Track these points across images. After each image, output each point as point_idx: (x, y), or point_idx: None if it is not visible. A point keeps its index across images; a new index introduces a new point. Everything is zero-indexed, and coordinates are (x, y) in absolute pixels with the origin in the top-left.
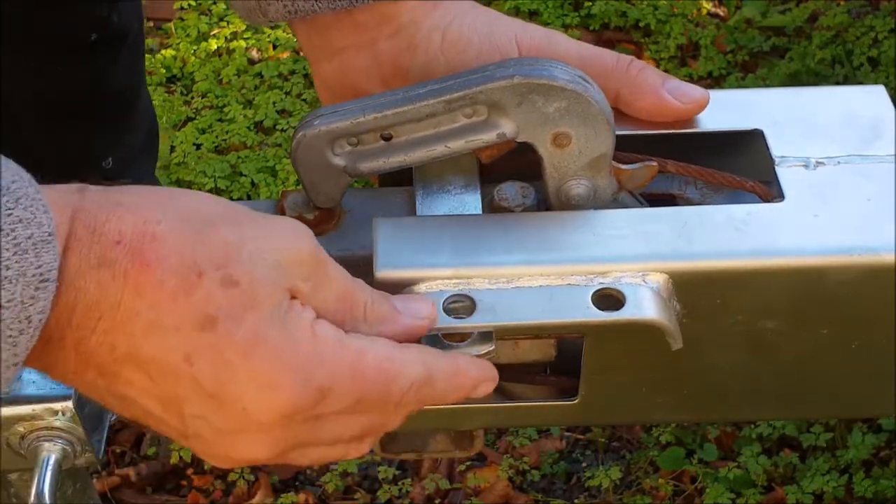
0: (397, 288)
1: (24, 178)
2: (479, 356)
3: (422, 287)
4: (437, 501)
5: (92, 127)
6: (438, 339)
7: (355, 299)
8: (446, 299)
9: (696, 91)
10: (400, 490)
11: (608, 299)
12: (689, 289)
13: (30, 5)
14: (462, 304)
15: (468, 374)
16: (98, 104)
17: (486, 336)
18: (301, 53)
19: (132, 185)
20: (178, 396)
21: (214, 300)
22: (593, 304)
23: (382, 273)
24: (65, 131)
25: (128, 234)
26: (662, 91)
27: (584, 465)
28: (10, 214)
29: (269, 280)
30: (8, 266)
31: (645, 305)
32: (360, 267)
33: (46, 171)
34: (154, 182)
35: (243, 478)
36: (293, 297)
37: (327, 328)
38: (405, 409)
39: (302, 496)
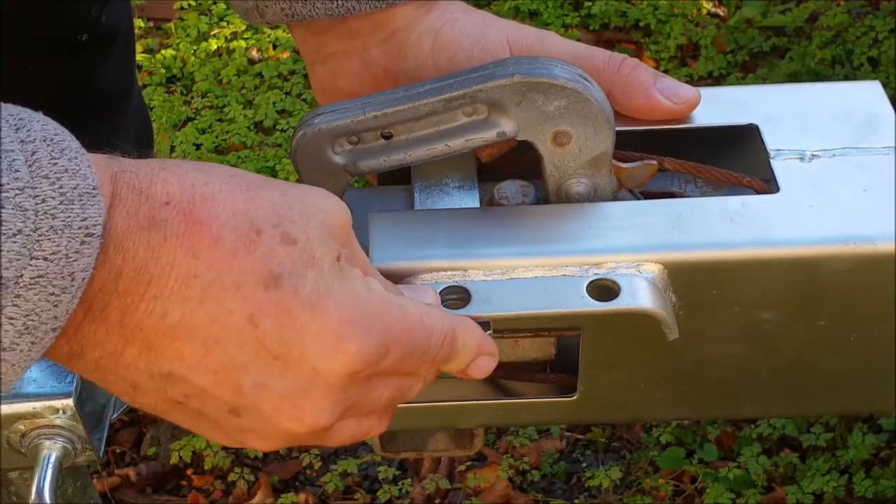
0: (393, 280)
1: (67, 133)
2: None
3: (417, 279)
4: (437, 501)
5: (81, 127)
6: None
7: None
8: (442, 291)
9: (687, 91)
10: (400, 490)
11: (603, 290)
12: (684, 280)
13: (24, 5)
14: (457, 296)
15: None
16: (88, 104)
17: (483, 326)
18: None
19: None
20: (238, 364)
21: (276, 256)
22: (588, 294)
23: (378, 265)
24: None
25: (175, 196)
26: (653, 91)
27: (584, 465)
28: (55, 164)
29: (322, 239)
30: (54, 215)
31: (640, 295)
32: None
33: None
34: None
35: (243, 478)
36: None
37: (377, 284)
38: (435, 368)
39: (302, 496)
